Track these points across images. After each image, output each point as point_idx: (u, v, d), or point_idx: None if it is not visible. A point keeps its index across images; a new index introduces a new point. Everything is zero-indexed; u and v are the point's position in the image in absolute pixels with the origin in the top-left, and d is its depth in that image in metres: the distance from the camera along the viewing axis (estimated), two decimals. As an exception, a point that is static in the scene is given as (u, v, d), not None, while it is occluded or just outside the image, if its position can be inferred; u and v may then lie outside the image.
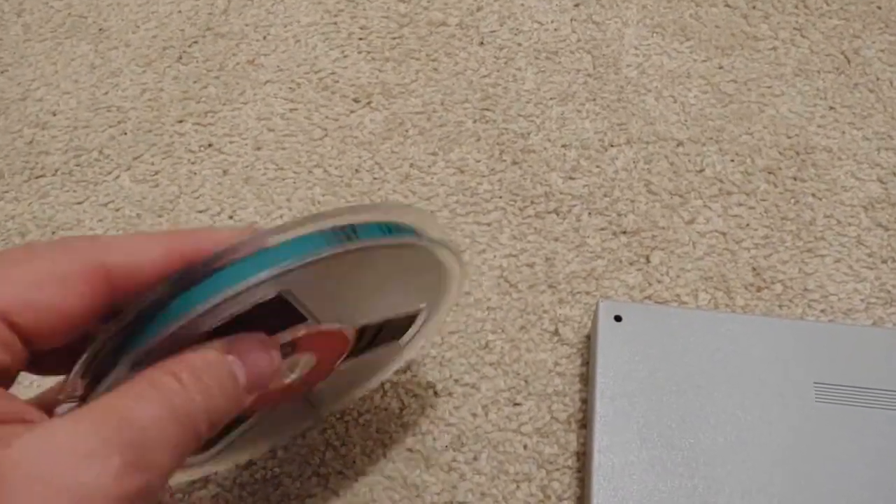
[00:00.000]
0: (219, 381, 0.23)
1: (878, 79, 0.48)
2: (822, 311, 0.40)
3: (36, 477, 0.18)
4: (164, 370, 0.22)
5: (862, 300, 0.40)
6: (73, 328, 0.22)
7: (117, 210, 0.44)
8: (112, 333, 0.22)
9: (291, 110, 0.47)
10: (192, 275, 0.22)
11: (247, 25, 0.51)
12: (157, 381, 0.21)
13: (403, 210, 0.26)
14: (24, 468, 0.18)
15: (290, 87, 0.48)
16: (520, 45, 0.50)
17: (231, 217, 0.43)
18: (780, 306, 0.40)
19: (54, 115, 0.48)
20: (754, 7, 0.51)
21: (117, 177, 0.45)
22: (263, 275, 0.22)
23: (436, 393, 0.37)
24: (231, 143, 0.46)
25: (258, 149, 0.46)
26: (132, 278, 0.23)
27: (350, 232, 0.24)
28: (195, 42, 0.50)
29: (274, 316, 0.24)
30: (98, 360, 0.23)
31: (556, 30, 0.50)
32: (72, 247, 0.23)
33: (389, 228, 0.26)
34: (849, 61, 0.49)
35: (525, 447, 0.36)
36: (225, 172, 0.45)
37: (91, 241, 0.24)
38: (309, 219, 0.23)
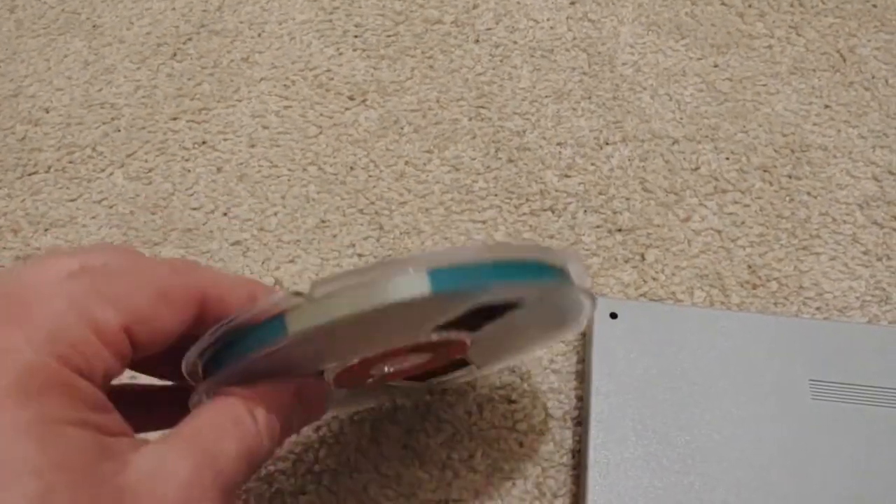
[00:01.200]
0: (282, 426, 0.25)
1: (873, 77, 0.48)
2: (818, 308, 0.40)
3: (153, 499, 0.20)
4: (245, 405, 0.24)
5: (857, 298, 0.40)
6: (168, 344, 0.24)
7: (111, 207, 0.44)
8: (228, 332, 0.23)
9: (286, 108, 0.47)
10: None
11: (241, 22, 0.51)
12: (240, 419, 0.23)
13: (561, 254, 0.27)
14: (144, 492, 0.20)
15: (285, 85, 0.48)
16: (515, 42, 0.50)
17: (225, 214, 0.43)
18: (775, 304, 0.40)
19: (47, 111, 0.47)
20: (750, 5, 0.51)
21: (111, 174, 0.45)
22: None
23: (431, 391, 0.37)
24: (225, 140, 0.46)
25: (252, 146, 0.46)
26: (220, 311, 0.24)
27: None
28: (189, 39, 0.50)
29: None
30: (208, 356, 0.24)
31: (551, 28, 0.50)
32: (180, 270, 0.24)
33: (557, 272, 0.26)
34: (844, 59, 0.49)
35: (520, 444, 0.36)
36: (219, 170, 0.45)
37: (193, 268, 0.25)
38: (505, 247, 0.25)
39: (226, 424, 0.23)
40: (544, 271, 0.25)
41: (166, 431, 0.23)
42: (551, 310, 0.29)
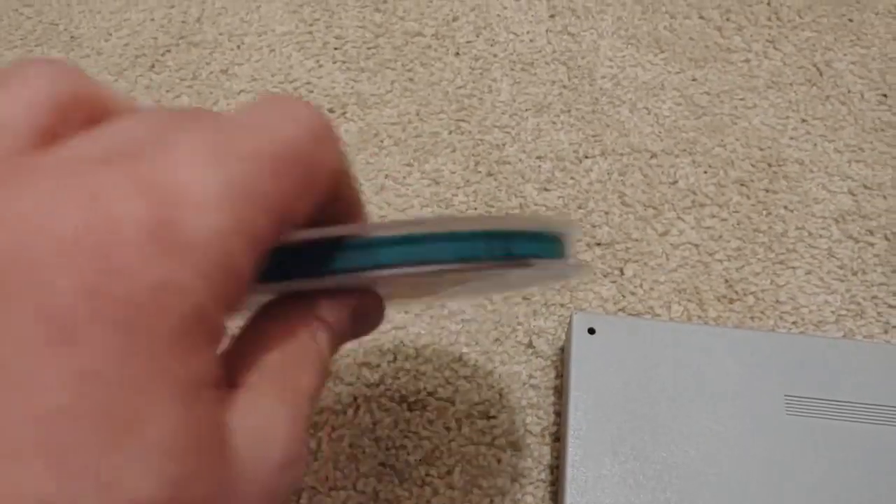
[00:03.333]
0: (335, 347, 0.22)
1: (849, 91, 0.48)
2: (794, 322, 0.40)
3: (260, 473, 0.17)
4: (308, 327, 0.20)
5: (833, 312, 0.40)
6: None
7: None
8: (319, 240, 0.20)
9: (265, 120, 0.47)
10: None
11: (221, 34, 0.51)
12: (309, 345, 0.20)
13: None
14: (249, 466, 0.17)
15: (265, 97, 0.48)
16: (495, 55, 0.50)
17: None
18: (752, 318, 0.40)
19: (24, 124, 0.47)
20: (728, 19, 0.51)
21: (88, 187, 0.45)
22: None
23: (409, 407, 0.37)
24: (204, 153, 0.46)
25: (231, 159, 0.45)
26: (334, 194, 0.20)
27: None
28: (168, 51, 0.50)
29: None
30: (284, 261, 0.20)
31: (531, 41, 0.51)
32: (320, 135, 0.19)
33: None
34: (821, 73, 0.49)
35: (499, 461, 0.36)
36: (197, 183, 0.44)
37: (334, 133, 0.20)
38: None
39: (301, 353, 0.20)
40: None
41: (246, 358, 0.19)
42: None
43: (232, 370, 0.19)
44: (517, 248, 0.21)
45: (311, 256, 0.20)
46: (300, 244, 0.20)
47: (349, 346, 0.38)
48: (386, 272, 0.20)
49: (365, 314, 0.23)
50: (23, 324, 0.14)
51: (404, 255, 0.20)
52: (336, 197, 0.20)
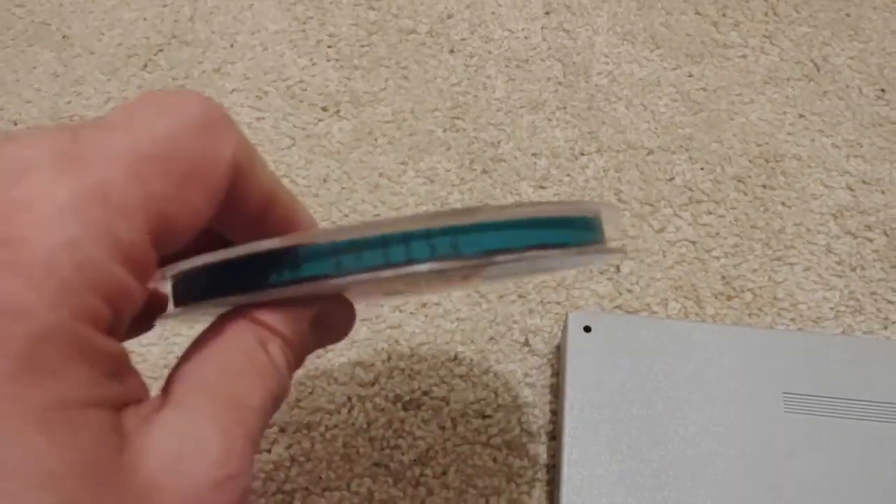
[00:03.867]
0: (296, 359, 0.20)
1: (847, 86, 0.48)
2: (792, 319, 0.39)
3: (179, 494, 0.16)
4: (255, 336, 0.19)
5: (831, 308, 0.40)
6: (190, 238, 0.18)
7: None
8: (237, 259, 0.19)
9: (258, 119, 0.47)
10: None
11: (213, 33, 0.50)
12: (254, 355, 0.19)
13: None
14: (168, 487, 0.16)
15: (258, 96, 0.47)
16: (490, 52, 0.50)
17: (196, 228, 0.42)
18: (749, 315, 0.40)
19: (15, 124, 0.47)
20: (724, 15, 0.51)
21: (80, 187, 0.44)
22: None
23: (404, 407, 0.37)
24: (197, 152, 0.45)
25: (224, 158, 0.45)
26: (242, 196, 0.19)
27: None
28: (161, 50, 0.50)
29: None
30: (197, 280, 0.20)
31: (526, 38, 0.50)
32: (209, 128, 0.18)
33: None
34: (818, 69, 0.49)
35: (494, 460, 0.36)
36: (190, 182, 0.44)
37: (231, 120, 0.19)
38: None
39: (244, 366, 0.18)
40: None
41: (181, 374, 0.18)
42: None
43: (167, 388, 0.18)
44: (466, 244, 0.19)
45: (248, 270, 0.19)
46: (236, 259, 0.19)
47: (341, 344, 0.37)
48: (307, 286, 0.19)
49: (328, 322, 0.22)
50: None
51: (348, 263, 0.19)
52: (257, 193, 0.20)
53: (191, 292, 0.21)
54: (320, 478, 0.35)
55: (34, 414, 0.14)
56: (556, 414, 0.36)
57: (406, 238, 0.19)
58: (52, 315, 0.14)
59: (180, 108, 0.18)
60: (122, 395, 0.16)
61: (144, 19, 0.51)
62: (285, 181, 0.44)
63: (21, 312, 0.14)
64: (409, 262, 0.19)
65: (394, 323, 0.39)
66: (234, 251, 0.19)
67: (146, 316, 0.21)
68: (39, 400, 0.14)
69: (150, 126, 0.17)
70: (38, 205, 0.15)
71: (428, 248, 0.19)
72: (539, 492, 0.35)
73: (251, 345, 0.19)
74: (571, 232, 0.22)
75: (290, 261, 0.19)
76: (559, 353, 0.38)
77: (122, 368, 0.16)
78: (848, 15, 0.51)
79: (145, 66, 0.49)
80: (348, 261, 0.19)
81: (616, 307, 0.40)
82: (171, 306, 0.21)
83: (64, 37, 0.50)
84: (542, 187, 0.44)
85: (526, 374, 0.38)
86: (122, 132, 0.17)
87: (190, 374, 0.18)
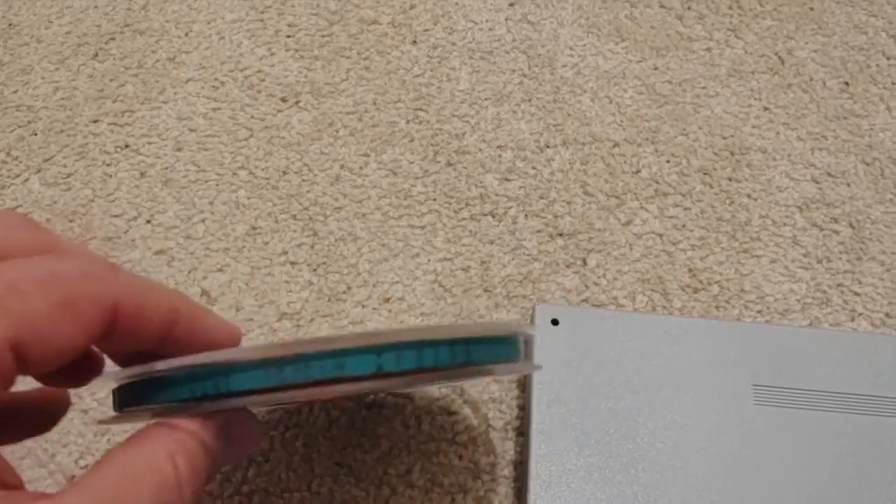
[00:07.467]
0: (205, 472, 0.22)
1: (811, 79, 0.48)
2: (759, 311, 0.39)
3: None
4: (166, 448, 0.21)
5: (798, 300, 0.40)
6: (66, 361, 0.21)
7: (26, 214, 0.41)
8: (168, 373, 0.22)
9: (214, 109, 0.45)
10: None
11: (167, 21, 0.48)
12: (158, 467, 0.20)
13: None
14: None
15: (214, 86, 0.46)
16: (454, 44, 0.49)
17: (149, 222, 0.41)
18: (717, 307, 0.39)
19: (-43, 114, 0.44)
20: (689, 8, 0.51)
21: (26, 179, 0.42)
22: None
23: (366, 406, 0.36)
24: (149, 143, 0.44)
25: (179, 150, 0.43)
26: (136, 323, 0.22)
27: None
28: (112, 38, 0.48)
29: None
30: (133, 388, 0.23)
31: (490, 29, 0.49)
32: (92, 274, 0.21)
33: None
34: (782, 62, 0.49)
35: (460, 457, 0.35)
36: (142, 175, 0.42)
37: (112, 272, 0.22)
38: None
39: (144, 475, 0.20)
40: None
41: (82, 478, 0.20)
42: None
43: (64, 496, 0.19)
44: (350, 365, 0.22)
45: (154, 386, 0.22)
46: (150, 375, 0.22)
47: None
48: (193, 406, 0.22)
49: (235, 437, 0.23)
50: None
51: (247, 381, 0.21)
52: (155, 316, 0.22)
53: (116, 400, 0.24)
54: (279, 478, 0.34)
55: None
56: (524, 409, 0.35)
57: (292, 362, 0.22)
58: None
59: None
60: None
61: (95, 7, 0.49)
62: (243, 173, 0.42)
63: None
64: (283, 387, 0.22)
65: (356, 319, 0.38)
66: (135, 369, 0.22)
67: (79, 371, 0.24)
68: None
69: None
70: None
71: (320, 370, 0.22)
72: (506, 489, 0.34)
73: (161, 457, 0.21)
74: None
75: (180, 381, 0.22)
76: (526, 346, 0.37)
77: None
78: (812, 9, 0.51)
79: (96, 55, 0.47)
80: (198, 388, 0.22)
81: (583, 300, 0.39)
82: (110, 411, 0.24)
83: (10, 24, 0.48)
84: (507, 180, 0.43)
85: (492, 370, 0.37)
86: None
87: (88, 484, 0.19)
